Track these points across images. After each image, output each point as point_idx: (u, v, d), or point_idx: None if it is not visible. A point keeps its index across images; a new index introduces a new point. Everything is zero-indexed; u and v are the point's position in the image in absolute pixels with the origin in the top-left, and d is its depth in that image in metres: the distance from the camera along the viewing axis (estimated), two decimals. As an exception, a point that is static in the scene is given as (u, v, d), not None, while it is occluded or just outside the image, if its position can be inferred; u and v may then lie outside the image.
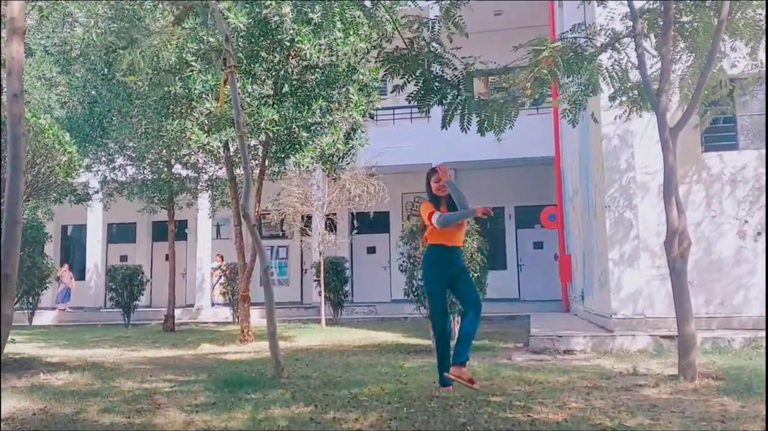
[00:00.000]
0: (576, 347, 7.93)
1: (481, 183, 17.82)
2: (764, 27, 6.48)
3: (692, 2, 6.55)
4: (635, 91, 6.96)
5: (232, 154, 10.60)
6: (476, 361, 6.80)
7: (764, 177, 8.56)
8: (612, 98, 7.06)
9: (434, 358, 7.42)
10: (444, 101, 6.42)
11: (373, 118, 16.77)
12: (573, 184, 13.45)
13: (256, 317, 12.30)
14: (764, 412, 4.18)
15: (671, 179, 5.88)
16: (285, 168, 10.07)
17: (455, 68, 6.43)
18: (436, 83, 6.38)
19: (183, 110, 9.38)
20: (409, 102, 6.64)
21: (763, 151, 8.72)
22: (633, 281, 8.63)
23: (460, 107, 6.38)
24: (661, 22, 6.24)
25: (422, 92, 6.36)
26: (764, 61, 7.06)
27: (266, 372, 6.47)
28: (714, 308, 8.49)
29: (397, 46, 6.56)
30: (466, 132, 6.47)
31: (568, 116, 6.99)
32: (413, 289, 8.44)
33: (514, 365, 6.82)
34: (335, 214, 16.87)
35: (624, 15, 6.79)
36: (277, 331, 6.54)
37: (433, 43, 6.33)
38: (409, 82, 6.39)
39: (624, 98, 7.06)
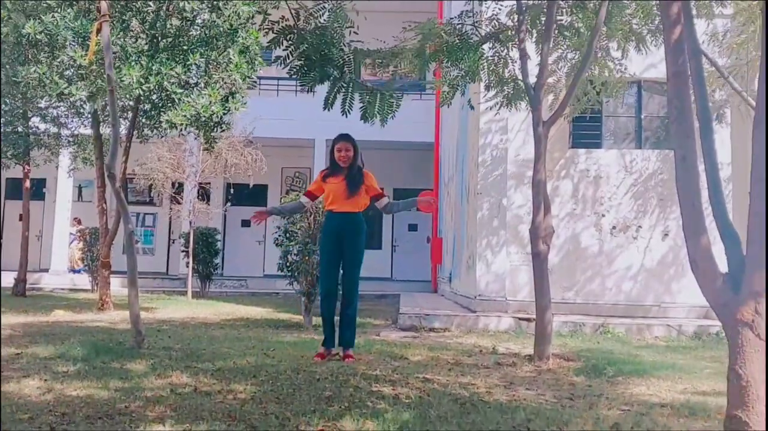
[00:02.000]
0: (442, 325, 8.19)
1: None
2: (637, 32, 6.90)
3: (574, 3, 6.85)
4: (510, 84, 7.17)
5: (99, 110, 9.89)
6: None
7: (624, 176, 9.22)
8: (487, 88, 7.25)
9: (303, 334, 7.43)
10: (326, 80, 6.22)
11: (255, 87, 16.33)
12: (449, 170, 13.83)
13: (117, 286, 11.64)
14: (611, 391, 4.51)
15: (540, 173, 6.14)
16: (157, 129, 9.50)
17: (341, 49, 6.26)
18: (320, 61, 6.17)
19: (45, 58, 8.60)
20: (290, 76, 6.41)
21: (624, 151, 9.38)
22: (498, 265, 9.03)
23: (344, 89, 6.22)
24: (544, 20, 6.49)
25: (305, 68, 6.14)
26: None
27: (125, 341, 6.14)
28: (572, 295, 9.06)
29: (283, 16, 6.32)
30: (346, 116, 6.28)
31: (445, 98, 7.12)
32: (288, 264, 8.32)
33: (383, 341, 6.92)
34: (209, 183, 16.28)
35: (510, 10, 6.98)
36: (139, 301, 6.21)
37: (321, 19, 6.15)
38: (292, 54, 6.17)
39: (499, 89, 7.26)
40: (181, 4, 8.16)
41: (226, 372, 4.72)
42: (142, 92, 8.15)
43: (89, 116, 10.69)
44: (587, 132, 9.51)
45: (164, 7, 8.38)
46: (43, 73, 8.24)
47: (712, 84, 7.82)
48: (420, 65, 6.71)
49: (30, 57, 9.07)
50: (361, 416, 3.47)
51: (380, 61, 6.76)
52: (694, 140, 2.89)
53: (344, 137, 5.60)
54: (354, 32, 6.10)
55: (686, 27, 2.99)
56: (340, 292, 5.57)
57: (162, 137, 11.14)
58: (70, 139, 12.94)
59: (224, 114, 8.95)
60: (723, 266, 2.82)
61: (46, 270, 17.19)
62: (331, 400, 3.87)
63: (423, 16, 11.11)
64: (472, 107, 8.36)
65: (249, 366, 4.95)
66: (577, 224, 9.21)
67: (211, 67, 8.61)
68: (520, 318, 8.21)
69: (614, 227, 9.15)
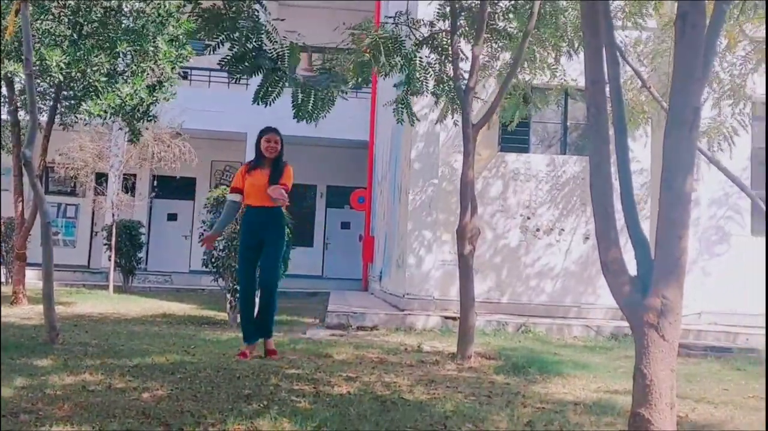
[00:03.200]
0: (369, 323, 8.21)
1: (295, 159, 17.68)
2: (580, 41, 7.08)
3: (507, 9, 6.98)
4: (442, 87, 7.21)
5: (17, 94, 9.41)
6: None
7: (549, 180, 9.48)
8: (414, 94, 7.24)
9: (227, 331, 7.30)
10: (257, 72, 6.03)
11: (186, 77, 15.91)
12: (383, 169, 13.88)
13: (33, 279, 11.12)
14: (528, 389, 4.62)
15: (468, 173, 6.24)
16: (77, 117, 9.11)
17: (275, 41, 6.11)
18: (252, 53, 6.01)
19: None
20: (221, 67, 6.19)
21: (550, 155, 9.65)
22: (427, 264, 9.13)
23: (277, 83, 6.06)
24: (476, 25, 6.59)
25: (234, 59, 5.95)
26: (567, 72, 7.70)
27: (38, 337, 5.88)
28: (497, 294, 9.25)
29: (214, 4, 6.15)
30: (267, 106, 6.00)
31: (397, 114, 7.12)
32: (212, 260, 8.15)
33: (308, 339, 6.87)
34: (135, 175, 15.75)
35: (444, 12, 7.04)
36: (57, 295, 5.97)
37: (255, 7, 6.02)
38: (223, 44, 5.99)
39: (441, 95, 7.30)
40: None
41: (144, 369, 4.59)
42: (62, 78, 7.81)
43: (5, 100, 10.16)
44: (516, 136, 9.72)
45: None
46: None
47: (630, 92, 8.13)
48: (357, 72, 6.63)
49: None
50: (279, 414, 3.44)
51: (319, 58, 6.68)
52: (609, 147, 2.99)
53: (272, 130, 5.54)
54: (287, 30, 5.99)
55: (606, 36, 3.09)
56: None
57: (86, 124, 10.71)
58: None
59: (151, 104, 8.69)
60: (633, 270, 2.93)
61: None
62: (249, 398, 3.82)
63: (361, 15, 11.12)
64: (414, 121, 8.10)
65: (167, 364, 4.83)
66: (504, 225, 9.41)
67: (138, 56, 8.34)
68: (446, 317, 8.32)
69: (538, 229, 9.40)
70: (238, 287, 5.79)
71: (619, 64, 3.13)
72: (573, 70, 7.79)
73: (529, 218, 9.43)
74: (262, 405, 3.67)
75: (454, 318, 8.07)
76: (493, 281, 9.28)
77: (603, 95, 2.98)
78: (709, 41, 3.02)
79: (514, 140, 9.74)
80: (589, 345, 7.57)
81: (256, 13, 5.93)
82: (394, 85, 7.16)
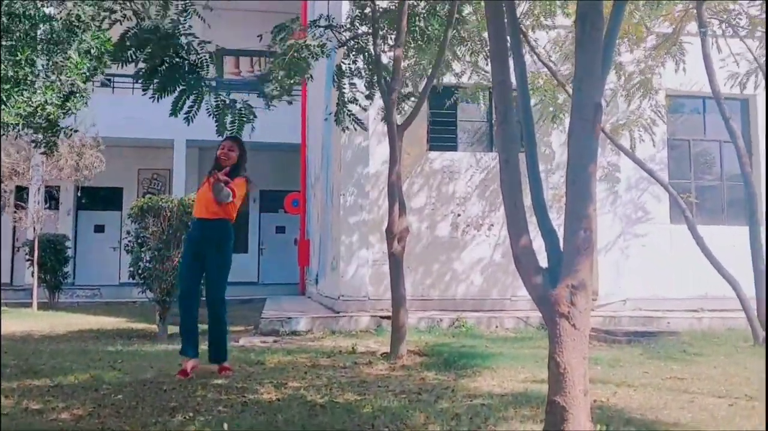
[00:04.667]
0: (304, 328, 8.16)
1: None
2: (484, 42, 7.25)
3: (426, 9, 7.07)
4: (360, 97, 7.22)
5: None
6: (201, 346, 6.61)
7: (476, 176, 9.67)
8: (367, 98, 7.28)
9: (157, 344, 7.12)
10: (172, 88, 5.74)
11: (109, 84, 15.43)
12: (315, 171, 13.83)
13: (-51, 300, 10.57)
14: (458, 384, 4.70)
15: (395, 174, 6.29)
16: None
17: (193, 51, 5.87)
18: (167, 67, 5.70)
19: None
20: (136, 80, 5.86)
21: (476, 153, 9.84)
22: (360, 265, 9.16)
23: (195, 95, 5.78)
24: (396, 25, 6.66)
25: (148, 74, 5.62)
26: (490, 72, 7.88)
27: (-50, 361, 5.59)
28: (430, 291, 9.36)
29: (125, 14, 5.89)
30: (189, 123, 5.81)
31: (339, 122, 7.08)
32: (140, 271, 7.95)
33: (240, 347, 6.78)
34: (58, 187, 15.18)
35: (361, 15, 7.07)
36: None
37: (166, 21, 5.76)
38: (136, 56, 5.69)
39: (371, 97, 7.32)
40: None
41: (65, 387, 4.44)
42: None
43: None
44: (443, 135, 9.87)
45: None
46: None
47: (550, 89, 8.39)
48: (287, 77, 6.51)
49: None
50: (204, 425, 3.39)
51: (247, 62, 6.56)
52: (517, 144, 3.08)
53: (230, 137, 5.25)
54: (202, 40, 5.76)
55: (511, 39, 3.18)
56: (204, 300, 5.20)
57: (-2, 136, 10.24)
58: None
59: (63, 115, 8.37)
60: (544, 262, 3.03)
61: None
62: (174, 411, 3.74)
63: (287, 16, 11.01)
64: (360, 128, 7.97)
65: (91, 380, 4.68)
66: (434, 222, 9.53)
67: (49, 68, 8.01)
68: (381, 317, 8.36)
69: (468, 225, 9.56)
70: (178, 294, 5.46)
71: (524, 65, 3.23)
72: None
73: (459, 215, 9.59)
74: (187, 417, 3.61)
75: (388, 317, 8.12)
76: (426, 278, 9.39)
77: (509, 95, 3.07)
78: (608, 40, 3.16)
79: (443, 138, 9.89)
80: (519, 336, 7.76)
81: (175, 27, 5.69)
82: (337, 104, 7.10)
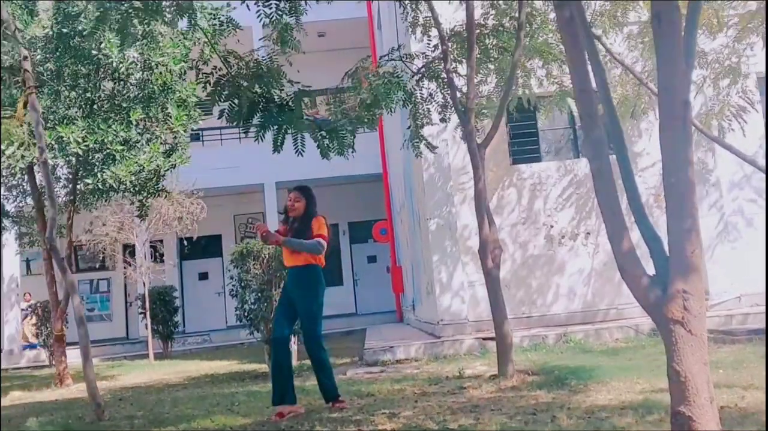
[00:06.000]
0: (407, 355, 8.18)
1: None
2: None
3: (494, 27, 7.08)
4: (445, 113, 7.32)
5: (38, 182, 9.71)
6: (311, 380, 6.75)
7: (565, 185, 9.47)
8: (442, 120, 7.42)
9: (268, 383, 7.32)
10: (272, 125, 6.08)
11: (199, 139, 16.26)
12: (400, 198, 13.95)
13: (76, 358, 11.31)
14: (573, 400, 4.58)
15: (481, 192, 6.27)
16: (99, 191, 9.27)
17: (281, 89, 6.18)
18: (263, 105, 6.06)
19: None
20: (232, 124, 6.28)
21: (562, 161, 9.64)
22: (456, 287, 9.11)
23: (291, 130, 6.09)
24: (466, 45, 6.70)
25: (247, 115, 5.97)
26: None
27: (85, 416, 5.97)
28: (529, 308, 9.18)
29: (215, 66, 6.32)
30: (300, 155, 6.11)
31: (414, 148, 7.27)
32: (245, 313, 8.25)
33: (349, 380, 6.88)
34: (161, 241, 16.04)
35: (433, 42, 7.16)
36: (99, 370, 6.08)
37: (253, 62, 6.14)
38: (234, 104, 6.06)
39: (447, 120, 7.42)
40: (115, 64, 8.14)
41: (190, 434, 4.64)
42: (80, 152, 8.04)
43: (29, 189, 10.49)
44: (525, 147, 9.75)
45: (95, 70, 8.36)
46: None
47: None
48: (363, 110, 6.68)
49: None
50: (325, 461, 3.46)
51: (326, 101, 6.82)
52: (606, 151, 3.02)
53: (295, 188, 5.45)
54: (289, 80, 6.05)
55: (586, 44, 3.14)
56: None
57: (105, 201, 11.00)
58: (13, 220, 12.63)
59: (167, 170, 8.91)
60: (651, 268, 2.93)
61: None
62: (295, 449, 3.84)
63: (357, 52, 11.28)
64: (431, 151, 8.08)
65: (213, 425, 4.87)
66: (527, 237, 9.38)
67: (151, 123, 8.59)
68: (483, 338, 8.26)
69: (563, 236, 9.35)
70: (272, 343, 5.66)
71: (604, 71, 3.17)
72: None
73: (552, 227, 9.40)
74: (308, 454, 3.70)
75: (491, 338, 8.03)
76: (526, 295, 9.23)
77: (593, 102, 3.02)
78: (688, 34, 3.06)
79: (525, 150, 9.77)
80: (631, 345, 7.47)
81: (259, 67, 6.00)
82: (408, 127, 7.29)
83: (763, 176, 8.28)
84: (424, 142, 7.32)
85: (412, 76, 7.19)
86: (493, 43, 7.14)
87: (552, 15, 6.94)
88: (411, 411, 4.74)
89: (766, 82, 7.20)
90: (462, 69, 7.16)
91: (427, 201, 9.41)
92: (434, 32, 7.08)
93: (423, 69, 7.19)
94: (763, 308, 8.35)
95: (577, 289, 9.20)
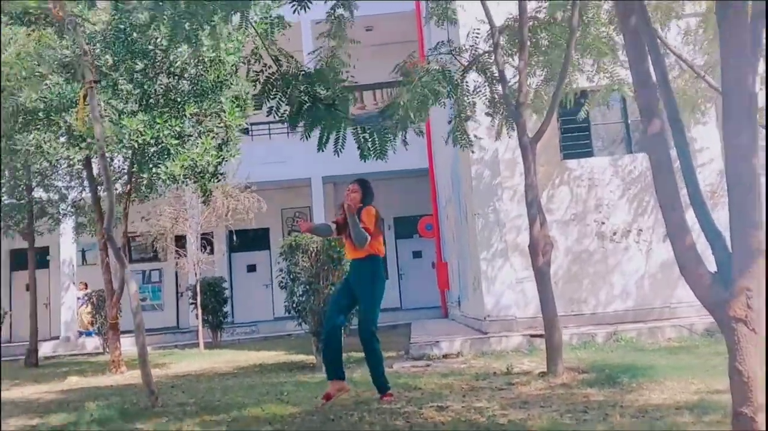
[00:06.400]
0: (453, 350, 8.16)
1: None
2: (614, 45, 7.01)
3: (546, 21, 6.98)
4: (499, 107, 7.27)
5: (96, 174, 10.02)
6: (358, 373, 6.81)
7: (618, 181, 9.28)
8: (488, 115, 7.38)
9: (316, 373, 7.42)
10: (319, 123, 6.13)
11: (248, 133, 16.50)
12: (446, 193, 13.90)
13: (129, 346, 11.65)
14: (625, 399, 4.50)
15: (532, 188, 6.20)
16: (154, 185, 9.56)
17: (328, 89, 6.22)
18: (309, 103, 6.12)
19: (41, 124, 8.75)
20: (282, 123, 6.38)
21: (615, 156, 9.45)
22: (503, 283, 9.04)
23: (336, 128, 6.14)
24: (517, 39, 6.63)
25: (298, 115, 6.05)
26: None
27: (139, 402, 6.15)
28: (580, 306, 9.04)
29: (266, 63, 6.39)
30: (338, 155, 6.17)
31: (457, 142, 7.24)
32: (294, 305, 8.35)
33: (395, 373, 6.89)
34: (211, 233, 16.37)
35: (486, 33, 7.10)
36: (151, 358, 6.24)
37: (302, 61, 6.20)
38: (282, 102, 6.15)
39: (494, 114, 7.37)
40: (170, 59, 8.33)
41: (241, 421, 4.73)
42: (137, 145, 8.26)
43: (87, 180, 10.82)
44: (577, 142, 9.59)
45: (152, 65, 8.57)
46: (42, 140, 8.39)
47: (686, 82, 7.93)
48: (412, 108, 6.67)
49: (26, 125, 9.21)
50: (376, 452, 3.48)
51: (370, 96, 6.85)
52: (667, 145, 2.95)
53: (354, 180, 5.56)
54: (347, 74, 6.11)
55: (646, 38, 3.07)
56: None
57: (160, 195, 11.28)
58: (72, 208, 13.06)
59: (219, 163, 9.07)
60: (712, 265, 2.86)
61: (57, 337, 17.21)
62: (345, 439, 3.88)
63: (405, 47, 11.26)
64: (469, 148, 8.06)
65: (263, 414, 4.96)
66: (578, 234, 9.23)
67: (204, 117, 8.77)
68: (531, 335, 8.18)
69: (615, 233, 9.17)
70: (323, 332, 5.73)
71: (664, 64, 3.10)
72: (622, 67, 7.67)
73: (603, 223, 9.23)
74: (357, 444, 3.73)
75: (539, 336, 7.94)
76: (575, 292, 9.09)
77: (653, 96, 2.96)
78: (755, 23, 2.96)
79: (577, 145, 9.60)
80: (684, 345, 7.29)
81: (301, 66, 6.09)
82: (449, 122, 7.26)
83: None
84: (466, 136, 7.25)
85: (461, 70, 7.14)
86: (545, 36, 7.04)
87: (606, 6, 6.80)
88: (459, 405, 4.73)
89: (766, 81, 6.92)
90: (511, 63, 7.09)
91: (475, 196, 9.35)
92: (484, 27, 7.03)
93: (472, 62, 7.13)
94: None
95: (629, 287, 9.01)
